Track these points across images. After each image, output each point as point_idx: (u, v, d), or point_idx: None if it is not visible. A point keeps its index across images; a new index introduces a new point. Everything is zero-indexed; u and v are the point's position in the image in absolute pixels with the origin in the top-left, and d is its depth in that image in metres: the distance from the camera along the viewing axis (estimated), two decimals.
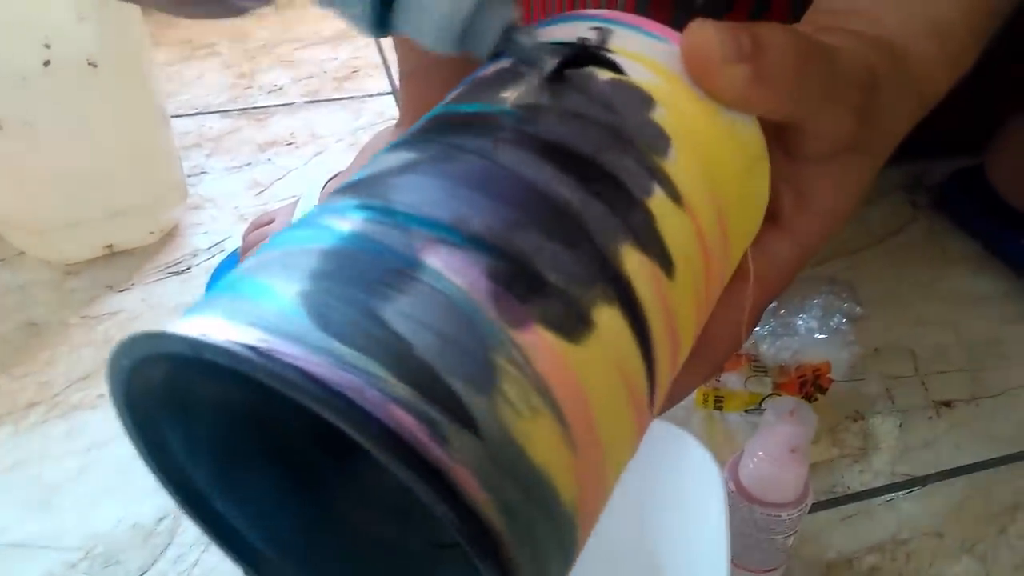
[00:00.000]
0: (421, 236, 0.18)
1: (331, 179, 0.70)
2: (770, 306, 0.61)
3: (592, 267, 0.19)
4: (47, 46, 0.60)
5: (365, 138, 0.85)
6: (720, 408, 0.59)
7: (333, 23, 1.14)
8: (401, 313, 0.16)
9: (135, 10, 0.66)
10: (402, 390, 0.15)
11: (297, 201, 0.69)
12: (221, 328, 0.16)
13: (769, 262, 0.30)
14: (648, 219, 0.21)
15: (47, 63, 0.60)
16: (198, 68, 1.02)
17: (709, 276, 0.24)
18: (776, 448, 0.42)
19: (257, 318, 0.16)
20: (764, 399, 0.59)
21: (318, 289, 0.17)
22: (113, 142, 0.66)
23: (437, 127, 0.22)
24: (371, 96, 0.98)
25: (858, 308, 0.60)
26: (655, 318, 0.21)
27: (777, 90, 0.25)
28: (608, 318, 0.19)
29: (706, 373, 0.31)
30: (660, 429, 0.41)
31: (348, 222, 0.18)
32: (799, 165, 0.29)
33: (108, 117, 0.65)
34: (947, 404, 0.63)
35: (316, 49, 1.07)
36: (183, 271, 0.72)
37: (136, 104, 0.67)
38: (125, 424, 0.21)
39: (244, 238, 0.69)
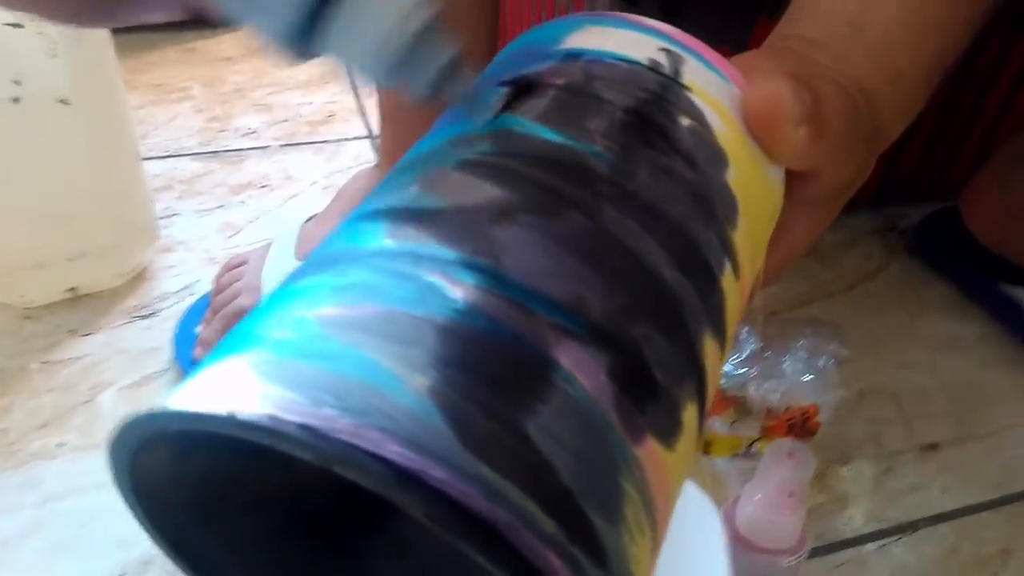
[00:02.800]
0: (545, 323, 0.16)
1: (308, 220, 0.69)
2: (755, 347, 0.60)
3: (684, 360, 0.19)
4: (17, 82, 0.58)
5: (341, 181, 0.84)
6: (708, 452, 0.58)
7: (307, 68, 1.14)
8: (542, 428, 0.15)
9: (108, 48, 0.65)
10: (550, 527, 0.14)
11: (271, 244, 0.68)
12: (337, 423, 0.14)
13: None
14: (721, 300, 0.21)
15: (16, 99, 0.58)
16: (170, 111, 1.00)
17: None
18: (774, 492, 0.41)
19: (388, 421, 0.14)
20: (752, 443, 0.58)
21: (450, 386, 0.15)
22: (83, 181, 0.64)
23: (522, 158, 0.20)
24: (347, 140, 0.97)
25: (844, 350, 0.59)
26: (710, 399, 0.20)
27: (830, 147, 0.25)
28: (690, 415, 0.19)
29: None
30: None
31: (459, 288, 0.16)
32: (789, 206, 0.29)
33: (79, 155, 0.63)
34: (933, 447, 0.63)
35: (290, 94, 1.07)
36: (151, 315, 0.70)
37: (108, 143, 0.66)
38: (136, 512, 0.19)
39: (216, 281, 0.67)
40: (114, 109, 0.66)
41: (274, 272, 0.64)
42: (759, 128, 0.24)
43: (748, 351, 0.58)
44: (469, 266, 0.17)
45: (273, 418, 0.14)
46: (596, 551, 0.15)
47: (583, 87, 0.22)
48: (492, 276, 0.17)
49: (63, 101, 0.60)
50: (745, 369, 0.57)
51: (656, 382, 0.17)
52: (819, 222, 0.31)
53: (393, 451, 0.13)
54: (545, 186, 0.19)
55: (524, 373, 0.16)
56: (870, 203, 0.85)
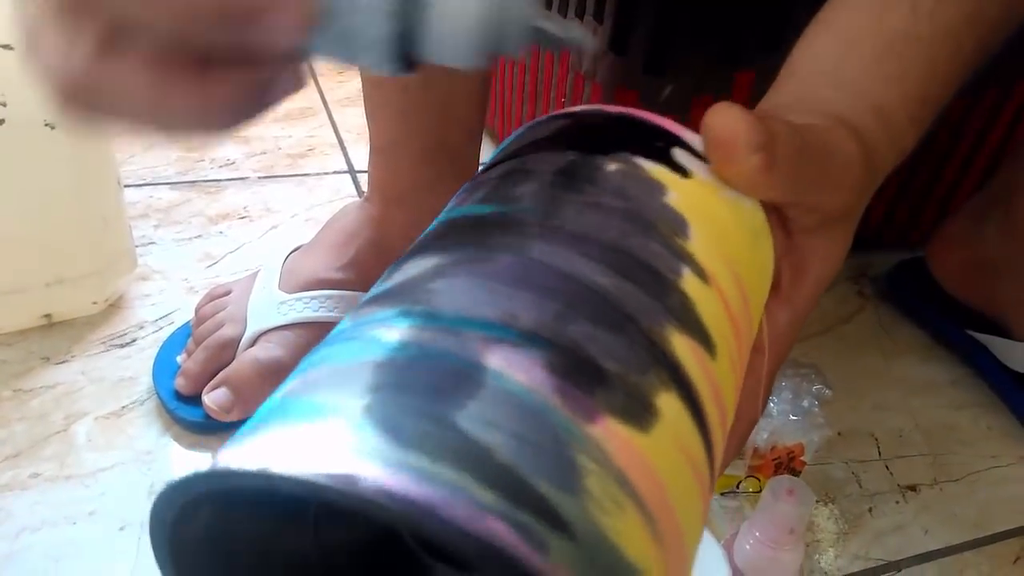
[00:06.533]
0: (475, 337, 0.17)
1: (293, 251, 0.68)
2: None
3: (643, 352, 0.19)
4: (2, 104, 0.57)
5: (322, 214, 0.83)
6: None
7: (286, 103, 1.14)
8: (473, 418, 0.16)
9: None
10: (491, 498, 0.14)
11: (257, 272, 0.67)
12: (287, 457, 0.15)
13: (775, 331, 0.31)
14: (684, 300, 0.21)
15: (1, 121, 0.57)
16: (147, 139, 0.99)
17: (739, 347, 0.24)
18: (775, 529, 0.41)
19: (327, 441, 0.15)
20: (739, 482, 0.58)
21: (382, 402, 0.16)
22: (64, 206, 0.63)
23: (455, 231, 0.22)
24: (327, 174, 0.97)
25: (827, 390, 0.60)
26: (707, 398, 0.21)
27: (782, 179, 0.26)
28: (669, 404, 0.19)
29: (736, 446, 0.30)
30: None
31: (395, 331, 0.18)
32: (795, 238, 0.30)
33: (61, 180, 0.62)
34: (912, 488, 0.64)
35: (269, 127, 1.06)
36: (128, 343, 0.68)
37: (91, 169, 0.65)
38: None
39: (197, 310, 0.66)
40: (100, 135, 0.65)
41: (259, 304, 0.63)
42: (716, 152, 0.25)
43: None
44: (404, 314, 0.18)
45: (231, 463, 0.16)
46: (551, 518, 0.15)
47: (517, 168, 0.24)
48: (425, 316, 0.18)
49: (49, 125, 0.59)
50: None
51: (604, 369, 0.18)
52: (834, 248, 0.32)
53: (331, 463, 0.14)
54: (476, 244, 0.21)
55: (452, 379, 0.17)
56: None
